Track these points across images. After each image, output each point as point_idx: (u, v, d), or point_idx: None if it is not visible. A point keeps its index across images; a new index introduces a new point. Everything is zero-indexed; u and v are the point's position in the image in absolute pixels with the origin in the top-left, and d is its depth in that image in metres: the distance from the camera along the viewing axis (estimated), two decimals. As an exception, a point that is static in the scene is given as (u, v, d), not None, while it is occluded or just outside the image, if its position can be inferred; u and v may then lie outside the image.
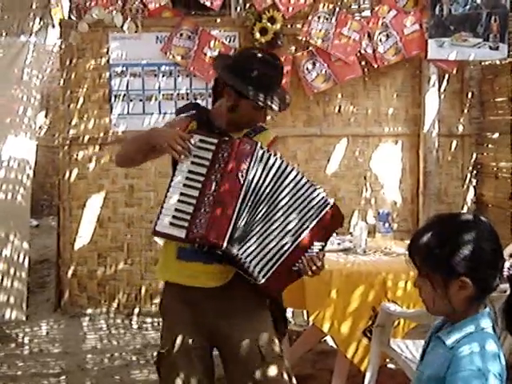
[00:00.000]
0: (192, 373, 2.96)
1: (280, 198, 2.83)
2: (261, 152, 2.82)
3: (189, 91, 6.45)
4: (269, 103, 2.95)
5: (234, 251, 2.76)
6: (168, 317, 3.14)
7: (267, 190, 2.82)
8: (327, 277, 4.21)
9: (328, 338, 4.90)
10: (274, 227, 2.82)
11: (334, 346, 4.53)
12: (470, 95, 6.69)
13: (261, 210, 2.81)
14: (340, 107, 6.62)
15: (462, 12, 6.29)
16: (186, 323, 3.01)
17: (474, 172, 6.74)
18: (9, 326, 6.11)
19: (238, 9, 6.60)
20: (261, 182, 2.81)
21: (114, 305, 6.54)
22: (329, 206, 2.89)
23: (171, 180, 2.89)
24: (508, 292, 2.09)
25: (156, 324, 6.22)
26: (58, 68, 6.96)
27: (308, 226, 2.85)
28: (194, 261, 2.94)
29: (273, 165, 2.83)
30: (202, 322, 2.99)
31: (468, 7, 6.28)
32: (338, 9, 6.32)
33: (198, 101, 6.40)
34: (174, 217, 2.81)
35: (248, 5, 6.53)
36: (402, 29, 6.36)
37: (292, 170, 2.86)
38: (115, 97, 6.43)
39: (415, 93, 6.62)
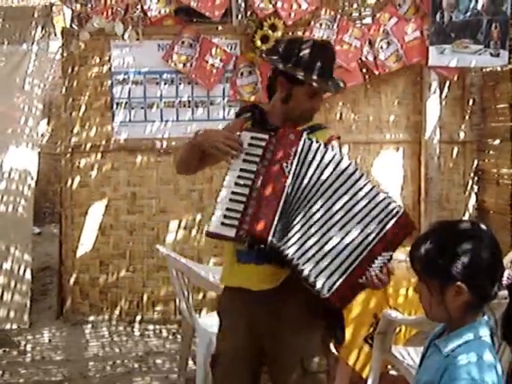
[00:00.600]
0: (240, 378, 2.97)
1: (337, 197, 2.67)
2: (308, 142, 2.71)
3: (190, 99, 6.46)
4: (323, 84, 2.89)
5: (280, 245, 2.64)
6: (223, 320, 3.12)
7: (322, 186, 2.68)
8: (329, 284, 4.21)
9: (330, 345, 4.89)
10: (333, 232, 2.65)
11: (336, 353, 4.52)
12: (471, 102, 6.70)
13: (314, 208, 2.66)
14: (341, 114, 6.63)
15: (462, 19, 6.30)
16: (239, 328, 2.98)
17: (476, 178, 6.74)
18: (11, 334, 6.11)
19: (240, 16, 6.60)
20: (311, 174, 2.68)
21: (116, 312, 6.54)
22: (399, 215, 2.70)
23: (224, 179, 2.80)
24: (508, 300, 2.10)
25: (158, 331, 6.23)
26: (59, 76, 6.97)
27: (377, 236, 2.64)
28: (248, 262, 2.89)
29: (325, 157, 2.69)
30: (253, 330, 2.96)
31: (469, 14, 6.29)
32: (339, 16, 6.34)
33: (200, 109, 6.42)
34: (225, 216, 2.73)
35: (249, 12, 6.54)
36: (403, 36, 6.37)
37: (350, 165, 2.70)
38: (117, 104, 6.44)
39: (416, 100, 6.62)
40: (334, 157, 2.70)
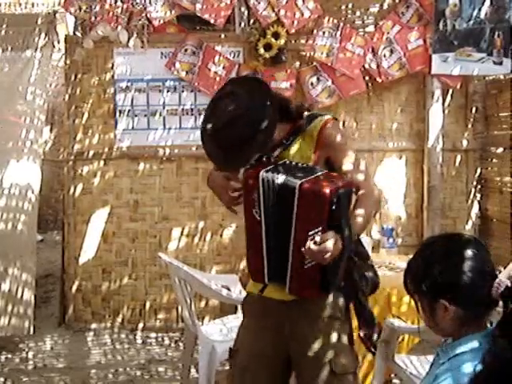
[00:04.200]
0: (257, 377, 2.97)
1: (288, 213, 2.73)
2: (266, 180, 2.75)
3: (193, 106, 6.47)
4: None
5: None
6: (245, 320, 3.13)
7: (280, 213, 2.76)
8: (331, 292, 4.20)
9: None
10: (281, 241, 2.76)
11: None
12: (474, 110, 6.70)
13: (283, 234, 2.77)
14: (344, 122, 6.62)
15: (465, 27, 6.30)
16: (259, 330, 2.98)
17: (479, 187, 6.74)
18: (14, 341, 6.10)
19: (243, 24, 6.61)
20: (272, 209, 2.77)
21: (119, 320, 6.54)
22: (296, 191, 2.69)
23: None
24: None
25: (160, 339, 6.22)
26: (62, 83, 6.98)
27: (292, 220, 2.71)
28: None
29: (275, 188, 2.75)
30: (275, 333, 2.94)
31: (472, 22, 6.30)
32: (342, 24, 6.35)
33: (202, 116, 6.42)
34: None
35: (252, 20, 6.55)
36: (406, 44, 6.37)
37: (287, 182, 2.74)
38: (120, 112, 6.45)
39: (419, 108, 6.62)
40: (283, 185, 2.74)
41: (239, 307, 4.54)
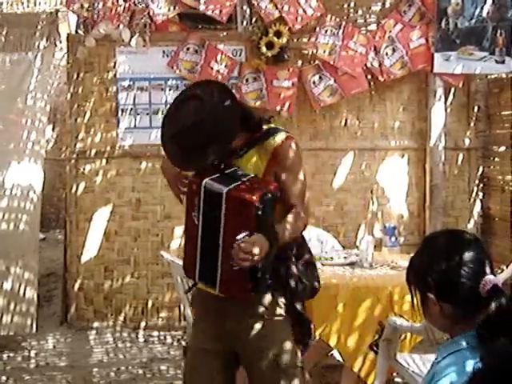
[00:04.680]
0: (207, 373, 3.02)
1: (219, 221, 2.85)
2: (207, 189, 2.85)
3: (195, 105, 6.45)
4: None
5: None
6: (196, 316, 3.25)
7: (214, 220, 2.85)
8: (334, 291, 4.21)
9: (335, 352, 4.89)
10: (213, 244, 2.87)
11: (341, 360, 4.51)
12: (476, 109, 6.69)
13: (215, 239, 2.87)
14: (346, 121, 6.63)
15: (467, 26, 6.30)
16: (208, 326, 3.06)
17: (481, 185, 6.73)
18: (16, 339, 6.11)
19: (245, 23, 6.62)
20: (209, 215, 2.86)
21: (121, 318, 6.54)
22: (223, 197, 2.80)
23: None
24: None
25: (162, 337, 6.22)
26: (65, 82, 6.98)
27: (219, 225, 2.81)
28: None
29: (213, 195, 2.84)
30: (223, 327, 3.00)
31: (474, 21, 6.29)
32: (344, 22, 6.35)
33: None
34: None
35: (254, 19, 6.55)
36: (408, 42, 6.37)
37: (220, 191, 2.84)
38: (122, 111, 6.45)
39: (421, 106, 6.62)
40: (217, 192, 2.82)
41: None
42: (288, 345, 3.00)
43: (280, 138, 2.97)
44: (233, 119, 2.83)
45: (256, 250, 2.71)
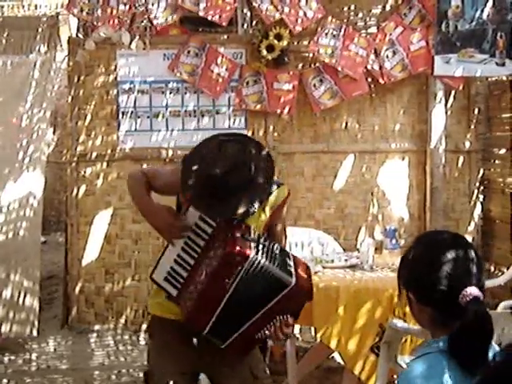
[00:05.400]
0: None
1: (254, 293, 2.75)
2: (251, 263, 2.69)
3: (196, 108, 6.48)
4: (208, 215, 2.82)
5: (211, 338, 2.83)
6: (155, 341, 3.13)
7: (248, 291, 2.73)
8: (334, 293, 4.22)
9: (335, 355, 4.89)
10: (240, 312, 2.77)
11: (342, 363, 4.51)
12: (476, 111, 6.70)
13: (242, 305, 2.76)
14: (347, 124, 6.64)
15: (468, 28, 6.30)
16: (174, 350, 3.00)
17: (481, 188, 6.74)
18: (17, 343, 6.11)
19: (245, 26, 6.63)
20: (244, 286, 2.71)
21: (122, 321, 6.54)
22: (287, 288, 2.71)
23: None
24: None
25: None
26: (65, 85, 6.99)
27: (266, 305, 2.72)
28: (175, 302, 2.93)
29: (258, 272, 2.70)
30: (190, 349, 2.98)
31: (474, 23, 6.30)
32: (344, 25, 6.35)
33: (205, 118, 6.45)
34: (169, 273, 2.90)
35: (255, 22, 6.56)
36: (409, 45, 6.38)
37: (273, 272, 2.73)
38: (123, 114, 6.46)
39: (422, 109, 6.63)
40: (267, 271, 2.72)
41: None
42: (259, 355, 3.06)
43: (284, 193, 3.03)
44: (272, 167, 2.78)
45: (290, 332, 2.80)
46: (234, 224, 2.79)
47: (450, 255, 2.10)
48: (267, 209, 2.97)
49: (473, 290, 2.03)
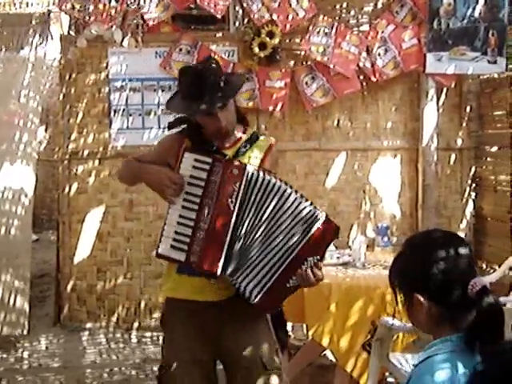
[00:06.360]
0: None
1: (267, 216, 2.81)
2: (250, 176, 2.82)
3: (188, 105, 6.45)
4: (200, 108, 2.93)
5: (229, 277, 2.82)
6: (169, 331, 3.13)
7: (257, 212, 2.81)
8: (326, 291, 4.22)
9: (328, 352, 4.90)
10: (265, 248, 2.81)
11: (334, 360, 4.52)
12: (468, 109, 6.71)
13: (255, 232, 2.82)
14: (339, 121, 6.64)
15: (460, 26, 6.31)
16: (188, 337, 3.01)
17: (473, 185, 6.74)
18: (8, 341, 6.10)
19: (237, 24, 6.62)
20: (250, 205, 2.81)
21: (114, 319, 6.53)
22: (319, 222, 2.81)
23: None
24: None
25: (155, 338, 6.21)
26: (57, 83, 6.97)
27: (299, 243, 2.79)
28: (195, 275, 2.94)
29: (261, 185, 2.81)
30: (204, 335, 3.00)
31: (466, 21, 6.31)
32: (336, 23, 6.35)
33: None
34: (174, 239, 2.87)
35: (247, 19, 6.56)
36: (401, 43, 6.38)
37: (278, 185, 2.82)
38: (114, 111, 6.44)
39: (414, 107, 6.64)
40: (268, 183, 2.82)
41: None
42: (271, 346, 3.05)
43: (269, 140, 3.21)
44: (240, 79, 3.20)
45: (321, 276, 2.84)
46: (227, 160, 2.91)
47: (454, 252, 2.11)
48: (256, 152, 3.11)
49: (479, 280, 2.05)
